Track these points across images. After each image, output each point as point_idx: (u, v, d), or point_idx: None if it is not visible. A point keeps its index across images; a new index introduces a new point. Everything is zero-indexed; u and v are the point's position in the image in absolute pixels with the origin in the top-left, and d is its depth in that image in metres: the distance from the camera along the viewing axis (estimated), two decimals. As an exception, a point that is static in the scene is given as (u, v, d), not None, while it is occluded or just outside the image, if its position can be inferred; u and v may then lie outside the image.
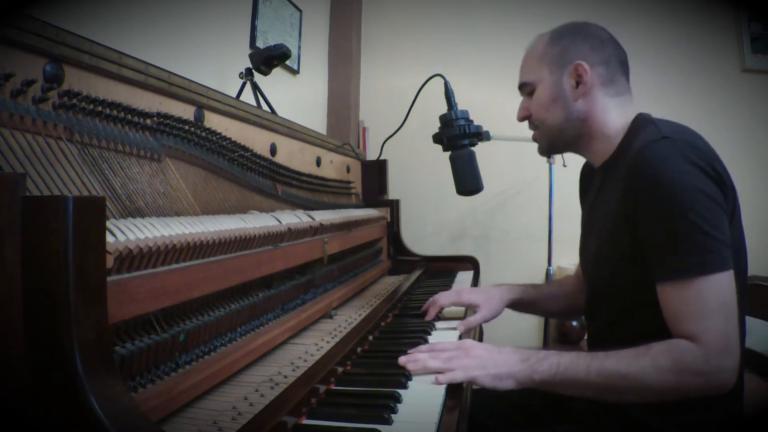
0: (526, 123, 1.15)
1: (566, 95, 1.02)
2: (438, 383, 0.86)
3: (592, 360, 0.86)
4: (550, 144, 1.10)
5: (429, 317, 1.26)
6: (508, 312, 1.34)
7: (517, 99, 1.15)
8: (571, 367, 0.87)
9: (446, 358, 0.91)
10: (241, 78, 1.71)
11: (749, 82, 2.60)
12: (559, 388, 0.88)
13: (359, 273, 1.65)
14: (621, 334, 0.97)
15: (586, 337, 1.13)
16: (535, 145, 1.14)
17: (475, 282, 1.81)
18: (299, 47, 2.42)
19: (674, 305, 0.85)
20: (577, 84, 1.01)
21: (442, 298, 1.28)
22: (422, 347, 0.97)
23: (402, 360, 0.92)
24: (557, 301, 1.31)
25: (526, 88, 1.10)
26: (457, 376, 0.87)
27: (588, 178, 1.19)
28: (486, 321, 1.23)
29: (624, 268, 0.94)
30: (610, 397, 0.88)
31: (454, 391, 0.85)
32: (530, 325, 2.66)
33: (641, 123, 0.98)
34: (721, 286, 0.83)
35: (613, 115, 1.01)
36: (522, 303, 1.29)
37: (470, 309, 1.26)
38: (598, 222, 1.04)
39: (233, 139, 1.13)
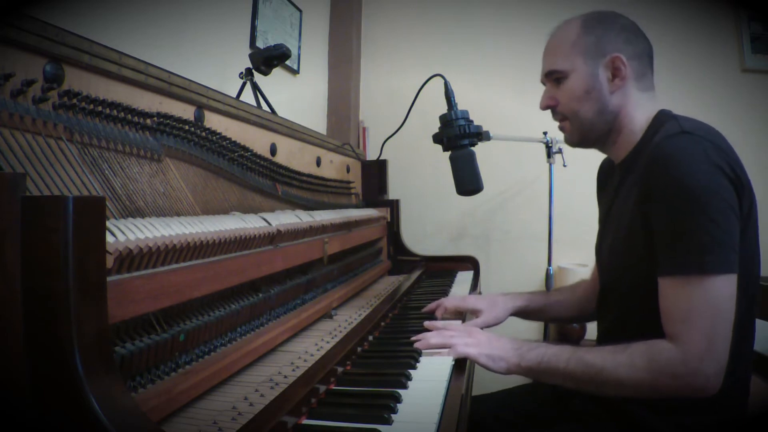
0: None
1: (602, 87, 0.99)
2: (442, 355, 0.97)
3: (574, 352, 0.90)
4: (582, 137, 1.05)
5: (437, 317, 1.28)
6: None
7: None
8: (554, 359, 0.91)
9: (449, 335, 1.01)
10: (241, 78, 1.71)
11: (749, 82, 2.60)
12: (542, 376, 0.93)
13: (359, 273, 1.65)
14: (629, 331, 0.97)
15: (596, 336, 1.13)
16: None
17: (475, 282, 1.81)
18: (299, 47, 2.42)
19: (667, 302, 0.86)
20: (614, 77, 0.99)
21: (448, 301, 1.30)
22: (436, 323, 1.10)
23: (413, 339, 1.04)
24: (566, 308, 1.30)
25: (553, 76, 1.04)
26: (456, 351, 0.96)
27: (606, 173, 1.19)
28: (488, 326, 1.23)
29: (637, 264, 0.93)
30: (590, 389, 0.90)
31: (454, 390, 0.85)
32: (530, 325, 2.64)
33: (663, 119, 0.97)
34: (716, 290, 0.82)
35: (641, 110, 1.00)
36: (528, 311, 1.29)
37: (473, 314, 1.26)
38: (615, 218, 1.03)
39: (233, 139, 1.13)
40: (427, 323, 1.12)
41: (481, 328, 1.25)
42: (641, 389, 0.85)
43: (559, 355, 0.91)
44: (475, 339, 0.99)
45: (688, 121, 0.93)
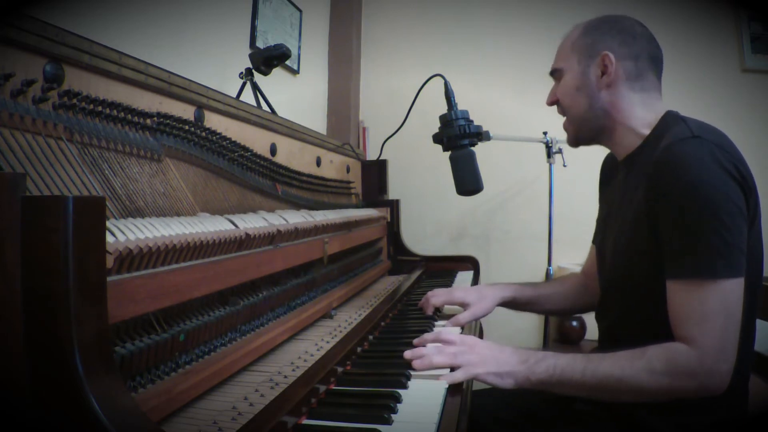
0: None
1: (591, 84, 1.03)
2: (444, 380, 0.86)
3: (588, 362, 0.87)
4: (577, 134, 1.10)
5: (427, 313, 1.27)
6: (509, 312, 1.34)
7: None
8: (567, 369, 0.88)
9: (452, 353, 0.91)
10: (241, 78, 1.71)
11: (749, 82, 2.60)
12: (555, 389, 0.90)
13: (359, 273, 1.65)
14: (631, 330, 0.97)
15: (597, 336, 1.13)
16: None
17: (475, 282, 1.81)
18: (299, 47, 2.42)
19: (678, 305, 0.86)
20: (602, 74, 1.02)
21: (434, 297, 1.29)
22: (426, 337, 1.00)
23: (407, 354, 0.93)
24: (556, 300, 1.30)
25: (556, 75, 1.11)
26: (459, 376, 0.87)
27: (610, 169, 1.19)
28: (476, 318, 1.24)
29: (640, 263, 0.94)
30: (605, 398, 0.89)
31: (454, 391, 0.85)
32: (530, 325, 2.66)
33: (670, 120, 0.98)
34: (727, 293, 0.83)
35: (639, 109, 1.02)
36: (516, 302, 1.29)
37: (463, 307, 1.26)
38: (618, 217, 1.04)
39: (233, 139, 1.13)
40: (416, 341, 1.01)
41: (471, 321, 1.24)
42: (660, 393, 0.85)
43: (573, 365, 0.88)
44: (478, 356, 0.91)
45: (696, 123, 0.93)
